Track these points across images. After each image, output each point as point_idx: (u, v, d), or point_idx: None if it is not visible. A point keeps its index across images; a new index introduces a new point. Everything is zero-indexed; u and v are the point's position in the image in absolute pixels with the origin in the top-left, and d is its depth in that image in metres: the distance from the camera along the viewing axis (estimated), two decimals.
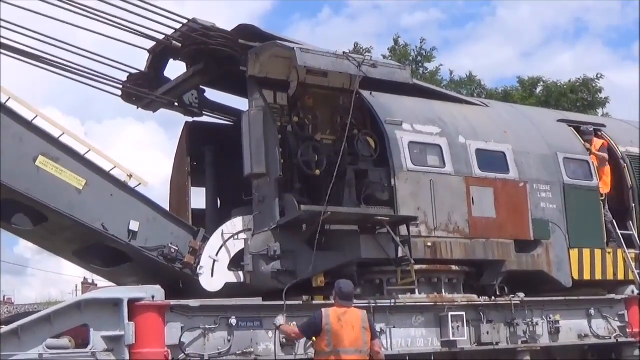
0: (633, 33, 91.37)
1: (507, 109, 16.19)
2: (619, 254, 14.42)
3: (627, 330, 14.03)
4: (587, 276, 13.93)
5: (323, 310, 10.29)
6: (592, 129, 15.33)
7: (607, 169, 14.86)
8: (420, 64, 38.64)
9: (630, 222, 14.83)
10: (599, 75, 37.54)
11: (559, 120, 15.55)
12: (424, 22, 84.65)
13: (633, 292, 14.26)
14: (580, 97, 37.15)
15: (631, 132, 15.95)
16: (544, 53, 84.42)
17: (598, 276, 14.09)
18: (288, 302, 11.28)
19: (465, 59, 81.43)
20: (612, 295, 14.23)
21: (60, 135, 11.48)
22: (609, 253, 14.35)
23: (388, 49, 38.89)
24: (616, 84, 74.44)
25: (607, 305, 14.00)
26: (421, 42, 38.68)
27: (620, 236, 14.45)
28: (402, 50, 38.30)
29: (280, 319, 10.68)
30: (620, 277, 14.40)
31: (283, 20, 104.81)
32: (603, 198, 14.56)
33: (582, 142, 14.91)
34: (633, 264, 14.36)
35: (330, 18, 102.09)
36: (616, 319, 14.03)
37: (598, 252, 14.18)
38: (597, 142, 14.94)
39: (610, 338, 13.85)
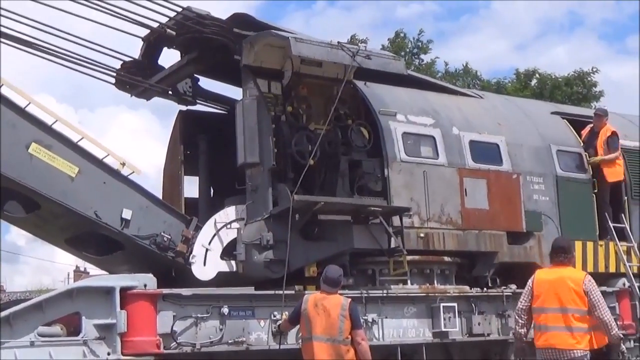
0: (628, 27, 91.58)
1: (501, 100, 16.20)
2: (611, 247, 14.45)
3: (618, 323, 14.04)
4: (579, 268, 13.92)
5: (305, 295, 10.29)
6: (606, 110, 15.34)
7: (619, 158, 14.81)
8: (416, 56, 38.63)
9: (623, 214, 14.85)
10: (594, 69, 37.61)
11: (552, 113, 15.57)
12: (420, 13, 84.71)
13: (624, 284, 14.29)
14: (574, 90, 37.18)
15: (625, 125, 15.95)
16: (539, 46, 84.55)
17: (590, 269, 14.10)
18: (280, 292, 11.30)
19: (460, 51, 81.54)
20: (604, 288, 14.17)
21: (54, 123, 11.45)
22: (601, 245, 14.39)
23: (388, 39, 38.91)
24: (610, 78, 74.58)
25: None
26: (419, 34, 38.68)
27: (613, 229, 14.48)
28: (400, 42, 38.29)
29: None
30: (612, 269, 14.45)
31: (278, 10, 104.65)
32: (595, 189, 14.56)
33: (575, 133, 14.91)
34: (625, 257, 14.40)
35: (325, 9, 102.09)
36: None
37: (590, 245, 14.22)
38: (607, 130, 14.84)
39: None
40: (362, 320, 10.58)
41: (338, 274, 10.28)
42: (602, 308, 9.79)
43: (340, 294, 10.29)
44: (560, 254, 10.15)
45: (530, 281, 10.11)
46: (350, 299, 10.21)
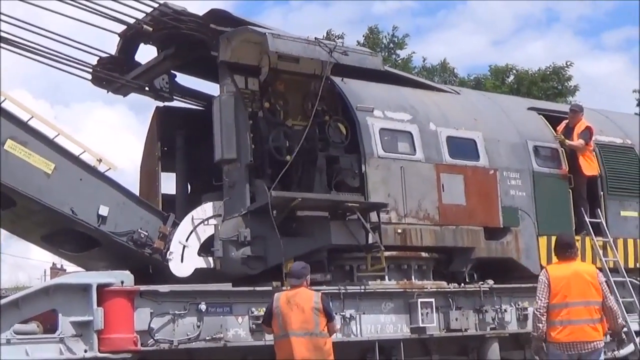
0: (603, 23, 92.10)
1: (478, 96, 16.24)
2: (587, 242, 14.53)
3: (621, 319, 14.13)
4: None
5: (275, 294, 10.26)
6: (581, 106, 15.42)
7: (590, 152, 14.86)
8: (392, 51, 38.66)
9: (599, 209, 14.93)
10: (568, 63, 37.82)
11: (529, 108, 15.63)
12: (397, 9, 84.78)
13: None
14: (550, 85, 37.38)
15: (600, 120, 16.04)
16: (516, 41, 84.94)
17: None
18: (258, 289, 11.30)
19: (438, 46, 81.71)
20: None
21: (29, 119, 11.40)
22: (577, 240, 14.42)
23: (363, 36, 38.91)
24: (586, 73, 74.98)
25: None
26: (393, 30, 38.71)
27: (589, 224, 14.56)
28: (376, 38, 38.31)
29: None
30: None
31: (255, 6, 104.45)
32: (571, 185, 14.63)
33: (552, 129, 14.98)
34: (601, 252, 14.47)
35: (302, 5, 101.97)
36: None
37: None
38: (583, 124, 14.91)
39: None
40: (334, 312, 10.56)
41: (301, 266, 10.28)
42: (612, 298, 10.33)
43: (314, 290, 10.28)
44: (568, 249, 10.38)
45: (544, 278, 10.07)
46: (320, 292, 10.19)
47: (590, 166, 14.71)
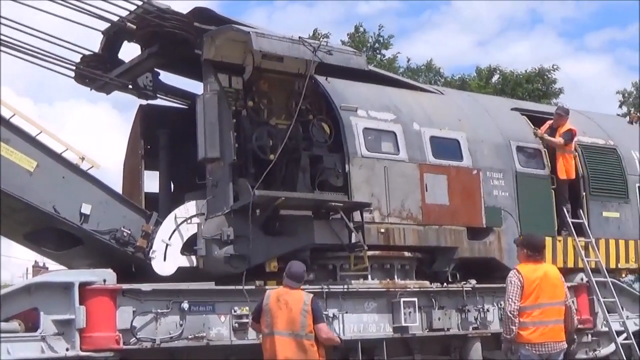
0: (587, 25, 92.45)
1: (461, 96, 16.28)
2: (569, 242, 14.59)
3: (577, 317, 14.21)
4: None
5: (267, 291, 10.25)
6: (568, 109, 15.47)
7: (569, 155, 14.89)
8: (377, 51, 38.67)
9: (581, 210, 15.00)
10: (554, 67, 37.94)
11: (512, 109, 15.68)
12: (381, 10, 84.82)
13: (582, 279, 14.45)
14: (535, 87, 37.49)
15: (583, 121, 16.11)
16: (500, 42, 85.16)
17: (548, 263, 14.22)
18: (240, 287, 11.30)
19: (422, 47, 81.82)
20: None
21: (12, 117, 11.34)
22: (560, 241, 14.52)
23: (348, 34, 38.89)
24: (569, 75, 75.29)
25: None
26: (379, 29, 38.71)
27: (571, 224, 14.61)
28: (361, 37, 38.29)
29: None
30: (570, 264, 14.58)
31: (240, 5, 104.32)
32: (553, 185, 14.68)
33: (533, 127, 15.02)
34: (583, 252, 14.54)
35: (287, 4, 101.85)
36: None
37: (549, 240, 14.31)
38: (566, 127, 14.96)
39: None
40: (324, 315, 10.52)
41: (302, 269, 10.24)
42: (570, 297, 10.48)
43: (302, 290, 10.25)
44: (539, 251, 10.37)
45: (517, 280, 9.97)
46: (312, 295, 10.13)
47: (565, 169, 14.71)
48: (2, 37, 11.64)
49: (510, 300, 9.91)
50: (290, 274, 10.11)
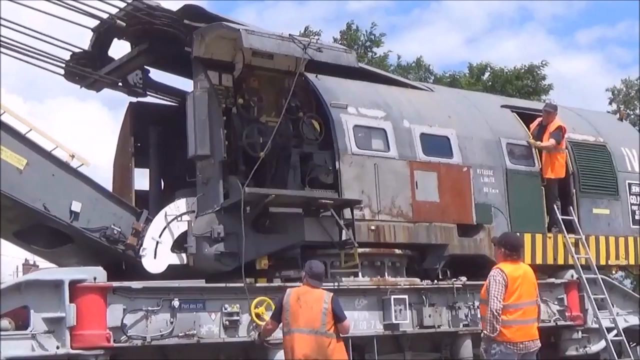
0: (577, 22, 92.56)
1: (451, 93, 16.31)
2: (560, 239, 14.62)
3: (566, 314, 14.27)
4: (527, 260, 13.96)
5: (287, 289, 10.26)
6: (556, 105, 15.49)
7: (561, 153, 14.90)
8: (369, 49, 38.65)
9: (571, 207, 15.03)
10: (544, 62, 37.99)
11: (502, 106, 15.69)
12: (371, 7, 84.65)
13: (572, 276, 14.48)
14: (525, 83, 37.53)
15: (573, 118, 16.14)
16: (490, 40, 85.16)
17: (539, 260, 14.27)
18: (230, 285, 11.30)
19: (412, 44, 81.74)
20: (552, 280, 14.44)
21: (1, 114, 11.31)
22: (550, 238, 14.55)
23: (340, 32, 38.87)
24: (559, 72, 75.40)
25: (547, 289, 14.17)
26: (372, 27, 38.69)
27: (561, 221, 14.64)
28: (353, 35, 38.27)
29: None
30: (560, 261, 14.62)
31: (230, 3, 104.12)
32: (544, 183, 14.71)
33: (525, 127, 15.06)
34: (573, 249, 14.57)
35: (276, 2, 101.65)
36: (555, 302, 14.25)
37: (539, 237, 14.37)
38: (556, 124, 14.97)
39: (550, 321, 14.03)
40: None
41: (323, 268, 10.41)
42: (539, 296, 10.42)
43: (325, 290, 10.27)
44: (519, 250, 10.31)
45: (502, 279, 9.84)
46: (332, 293, 10.18)
47: (552, 168, 14.74)
48: None
49: (495, 298, 9.80)
50: (312, 274, 10.15)
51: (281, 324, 10.01)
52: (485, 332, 9.96)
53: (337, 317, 9.90)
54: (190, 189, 12.25)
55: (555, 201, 14.71)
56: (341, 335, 9.98)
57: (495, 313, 9.78)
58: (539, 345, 10.04)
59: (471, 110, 14.87)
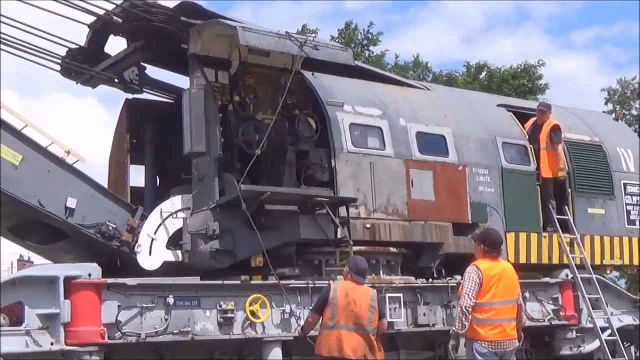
0: (573, 22, 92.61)
1: (448, 92, 16.31)
2: (555, 238, 14.63)
3: (561, 314, 14.27)
4: (522, 259, 14.11)
5: (332, 283, 10.39)
6: (549, 104, 15.47)
7: (556, 152, 14.88)
8: (366, 48, 38.67)
9: (566, 206, 15.04)
10: (540, 62, 38.03)
11: (498, 105, 15.70)
12: (368, 5, 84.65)
13: (567, 275, 14.49)
14: (521, 82, 37.58)
15: (568, 118, 16.16)
16: (486, 39, 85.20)
17: (534, 260, 14.30)
18: (226, 282, 11.29)
19: (409, 43, 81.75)
20: (547, 279, 14.45)
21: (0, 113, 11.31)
22: (545, 237, 14.56)
23: (338, 30, 38.89)
24: (555, 72, 75.42)
25: (541, 288, 14.20)
26: (369, 26, 38.71)
27: (556, 221, 14.65)
28: (351, 34, 38.29)
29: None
30: (555, 261, 14.63)
31: (225, 2, 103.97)
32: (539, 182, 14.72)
33: (521, 126, 15.06)
34: (568, 248, 14.58)
35: (273, 0, 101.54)
36: (550, 302, 14.25)
37: (534, 236, 14.38)
38: (551, 123, 14.97)
39: (544, 321, 14.06)
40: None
41: (365, 264, 10.64)
42: (521, 295, 10.37)
43: (369, 286, 10.50)
44: (499, 247, 10.23)
45: (476, 277, 9.81)
46: (375, 290, 10.39)
47: (549, 167, 14.75)
48: None
49: (466, 295, 9.77)
50: (358, 270, 10.40)
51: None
52: (453, 328, 9.99)
53: (381, 314, 10.29)
54: (186, 185, 12.24)
55: (551, 200, 14.72)
56: (379, 332, 10.28)
57: (465, 310, 9.75)
58: (517, 344, 9.98)
59: (467, 109, 14.87)
